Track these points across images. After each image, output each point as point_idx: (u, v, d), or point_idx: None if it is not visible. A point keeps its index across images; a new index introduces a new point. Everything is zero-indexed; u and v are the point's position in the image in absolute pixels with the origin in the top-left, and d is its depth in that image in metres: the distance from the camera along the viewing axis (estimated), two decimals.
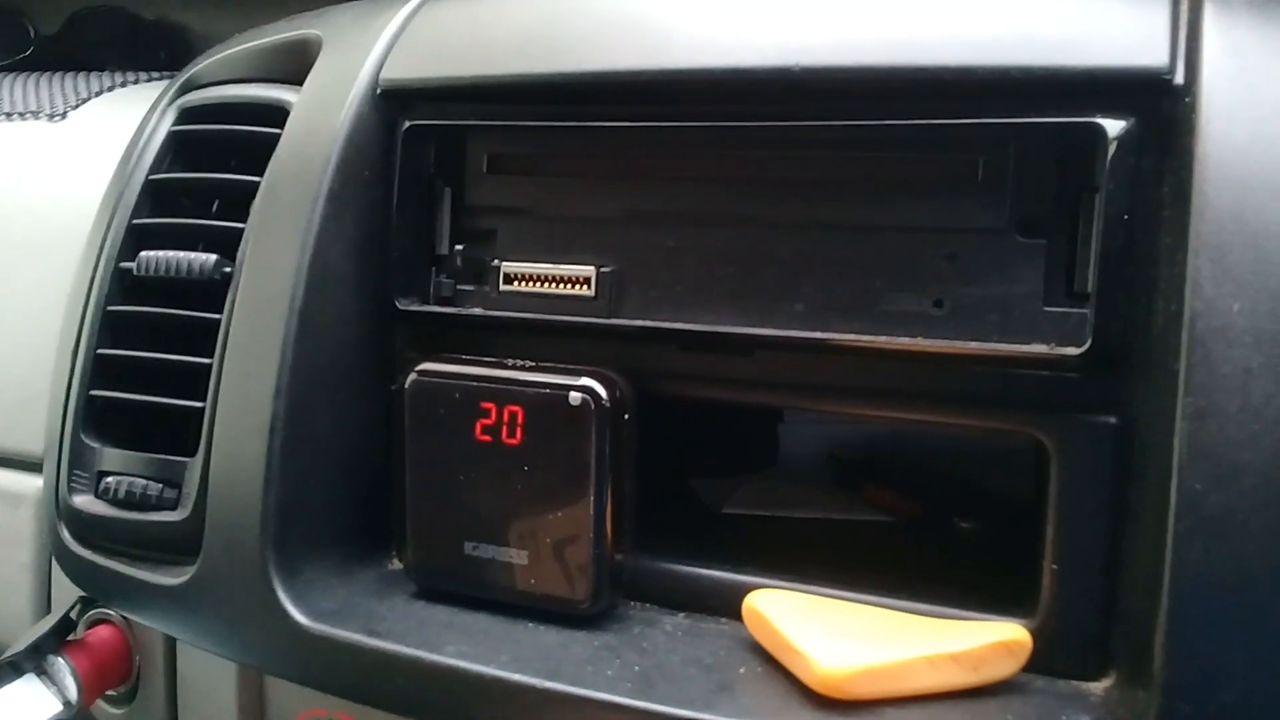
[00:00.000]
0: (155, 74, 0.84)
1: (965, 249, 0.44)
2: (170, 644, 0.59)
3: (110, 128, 0.70)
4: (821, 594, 0.46)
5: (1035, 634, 0.42)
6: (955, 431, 0.53)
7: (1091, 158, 0.41)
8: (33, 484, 0.62)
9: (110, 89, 0.80)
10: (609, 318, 0.48)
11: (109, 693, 0.60)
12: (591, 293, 0.49)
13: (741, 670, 0.43)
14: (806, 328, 0.45)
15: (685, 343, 0.47)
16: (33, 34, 1.04)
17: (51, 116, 0.76)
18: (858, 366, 0.45)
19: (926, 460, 0.61)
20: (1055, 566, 0.42)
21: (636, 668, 0.43)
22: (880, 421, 0.53)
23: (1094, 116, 0.40)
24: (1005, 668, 0.41)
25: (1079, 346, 0.41)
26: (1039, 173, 0.43)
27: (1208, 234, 0.37)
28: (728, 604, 0.46)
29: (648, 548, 0.49)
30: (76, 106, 0.76)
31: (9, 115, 0.77)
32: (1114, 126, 0.40)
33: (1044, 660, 0.42)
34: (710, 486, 0.60)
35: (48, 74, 0.84)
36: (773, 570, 0.47)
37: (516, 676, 0.42)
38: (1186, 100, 0.39)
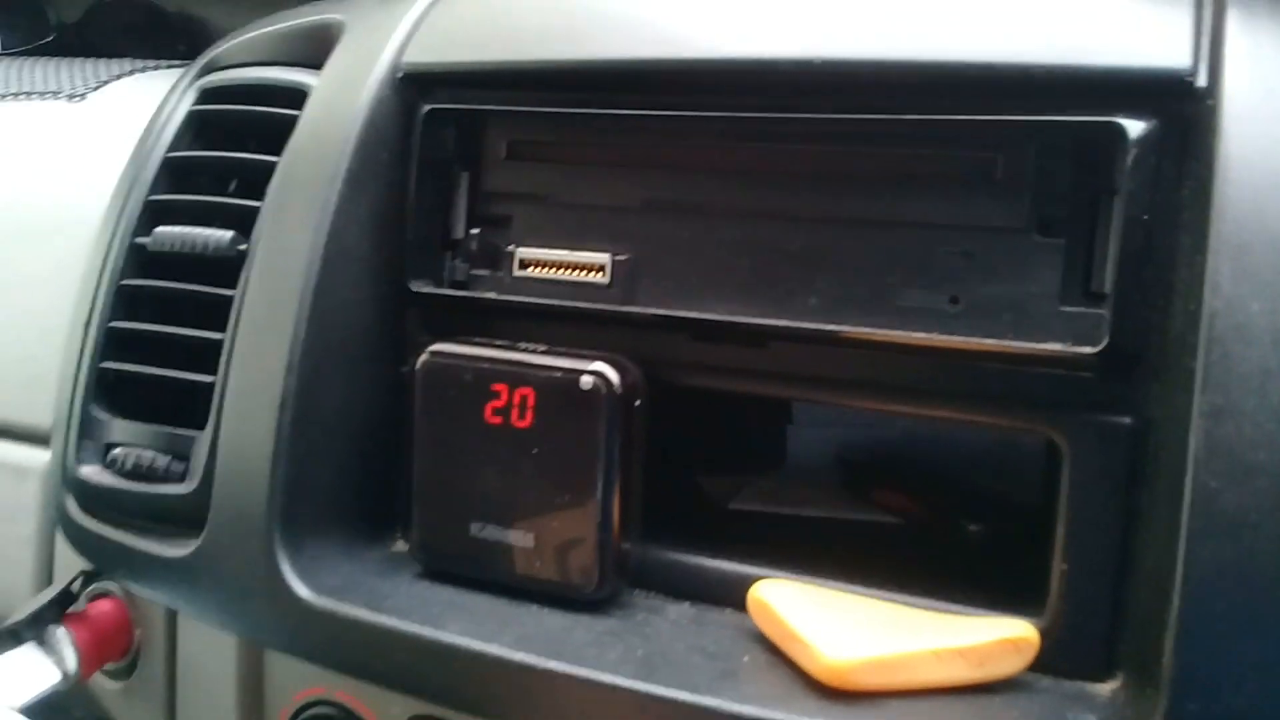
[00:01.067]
0: (175, 63, 0.85)
1: (982, 247, 0.44)
2: (171, 620, 0.59)
3: (128, 109, 0.70)
4: (828, 587, 0.45)
5: (1043, 633, 0.41)
6: (967, 432, 0.52)
7: (1112, 158, 0.41)
8: (39, 458, 0.62)
9: (130, 73, 0.80)
10: (622, 305, 0.48)
11: (108, 666, 0.59)
12: (606, 280, 0.49)
13: (746, 659, 0.43)
14: (820, 320, 0.45)
15: (698, 332, 0.47)
16: (54, 21, 1.05)
17: (71, 97, 0.76)
18: (871, 361, 0.45)
19: (935, 464, 0.60)
20: (1065, 566, 0.42)
21: (640, 652, 0.43)
22: (893, 417, 0.53)
23: (1115, 117, 0.40)
24: (1012, 665, 0.41)
25: (1095, 346, 0.41)
26: (1058, 172, 0.43)
27: (1228, 234, 0.37)
28: (733, 595, 0.46)
29: (654, 537, 0.49)
30: (96, 88, 0.77)
31: (29, 95, 0.77)
32: (1135, 127, 0.40)
33: (1051, 660, 0.41)
34: (718, 483, 0.60)
35: (68, 59, 0.84)
36: (779, 563, 0.47)
37: (519, 656, 0.42)
38: (1209, 103, 0.39)
